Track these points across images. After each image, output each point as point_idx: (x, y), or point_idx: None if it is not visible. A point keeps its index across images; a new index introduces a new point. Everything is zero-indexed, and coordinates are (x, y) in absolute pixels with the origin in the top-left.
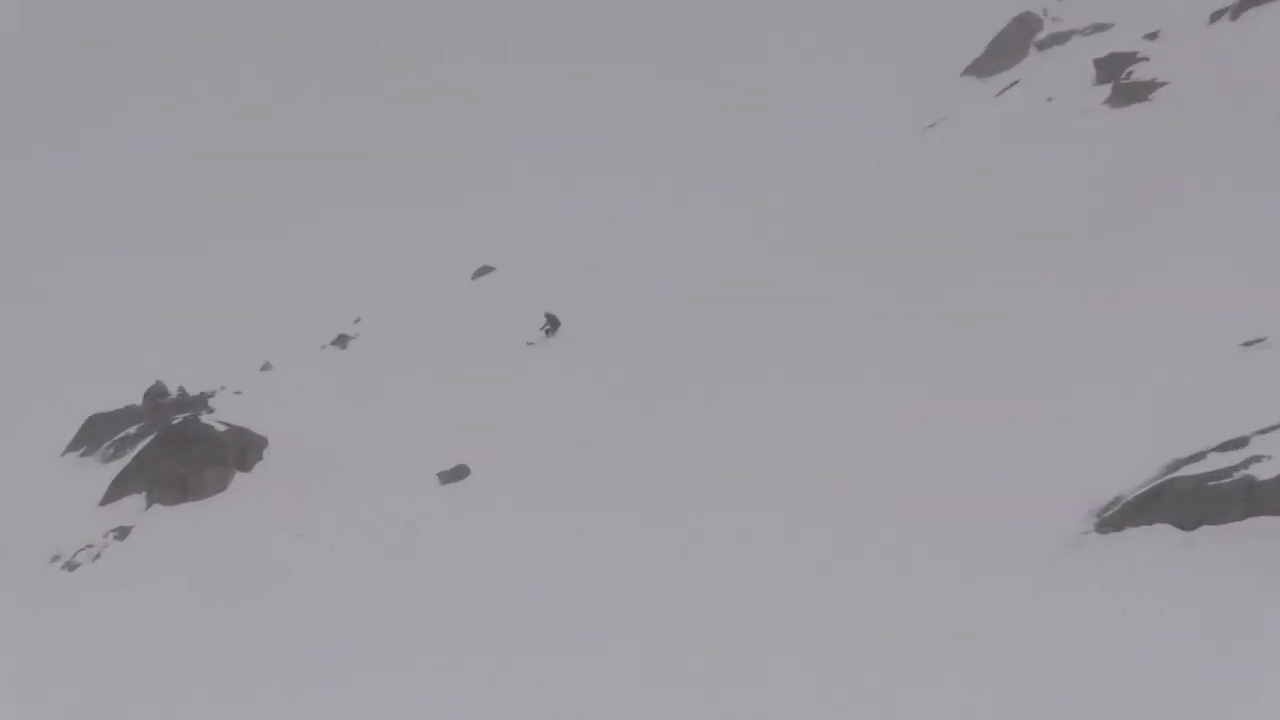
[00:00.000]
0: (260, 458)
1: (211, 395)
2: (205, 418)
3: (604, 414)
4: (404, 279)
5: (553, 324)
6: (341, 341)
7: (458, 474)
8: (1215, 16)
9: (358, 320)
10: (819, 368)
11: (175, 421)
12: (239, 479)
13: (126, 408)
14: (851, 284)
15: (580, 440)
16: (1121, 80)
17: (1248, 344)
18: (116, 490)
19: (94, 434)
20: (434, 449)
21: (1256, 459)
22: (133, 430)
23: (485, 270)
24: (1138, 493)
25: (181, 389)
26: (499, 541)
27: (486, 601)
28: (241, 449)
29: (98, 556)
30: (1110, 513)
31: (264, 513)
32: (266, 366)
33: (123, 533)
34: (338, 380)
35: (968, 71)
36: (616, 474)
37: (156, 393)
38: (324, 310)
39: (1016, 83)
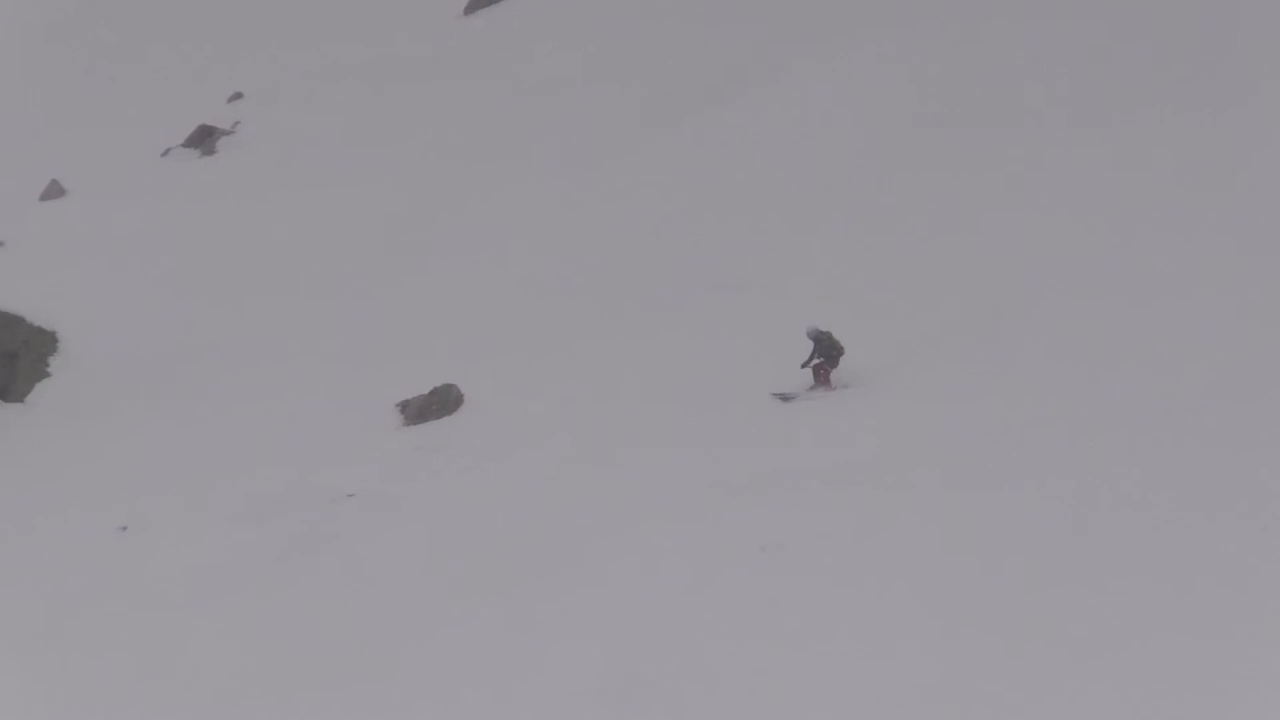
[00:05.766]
0: (44, 373)
1: None
2: None
3: None
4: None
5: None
6: (205, 141)
7: (439, 404)
8: None
9: (236, 98)
10: None
11: None
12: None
13: None
14: None
15: None
16: None
17: None
18: None
19: None
20: (380, 353)
21: None
22: None
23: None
24: None
25: None
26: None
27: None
28: (7, 357)
29: None
30: None
31: (53, 487)
32: (55, 190)
33: None
34: (193, 218)
35: None
36: None
37: None
38: (174, 85)
39: None
